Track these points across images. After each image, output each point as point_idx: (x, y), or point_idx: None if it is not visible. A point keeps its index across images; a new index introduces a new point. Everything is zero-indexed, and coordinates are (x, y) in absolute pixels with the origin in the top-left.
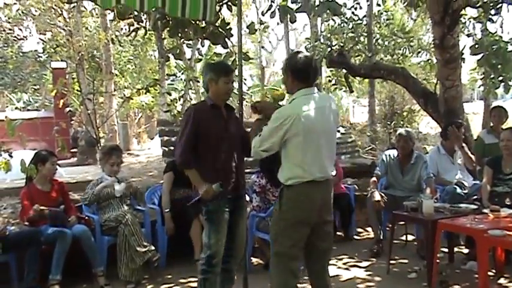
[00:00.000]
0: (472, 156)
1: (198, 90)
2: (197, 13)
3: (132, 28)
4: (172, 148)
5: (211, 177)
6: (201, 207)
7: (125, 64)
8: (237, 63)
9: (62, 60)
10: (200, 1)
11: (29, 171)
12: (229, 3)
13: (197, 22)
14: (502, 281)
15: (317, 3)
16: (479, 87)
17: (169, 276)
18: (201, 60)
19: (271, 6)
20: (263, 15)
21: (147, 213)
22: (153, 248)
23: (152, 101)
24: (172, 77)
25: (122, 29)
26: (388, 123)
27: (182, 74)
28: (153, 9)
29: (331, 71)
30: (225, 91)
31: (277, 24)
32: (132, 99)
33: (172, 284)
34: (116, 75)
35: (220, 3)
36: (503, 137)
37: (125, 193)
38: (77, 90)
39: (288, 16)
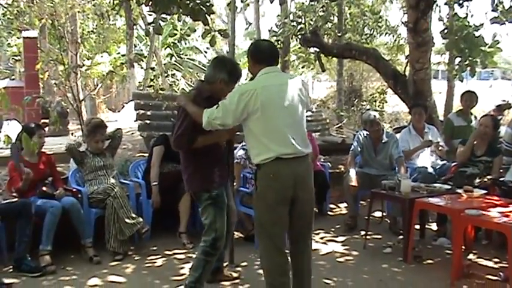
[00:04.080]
0: (445, 148)
1: (161, 62)
2: None
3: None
4: (148, 122)
5: (211, 169)
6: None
7: (88, 34)
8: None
9: (26, 29)
10: None
11: (25, 143)
12: None
13: None
14: (471, 256)
15: None
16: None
17: (155, 248)
18: (175, 35)
19: None
20: None
21: (132, 187)
22: (141, 219)
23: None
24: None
25: None
26: (352, 99)
27: (143, 45)
28: None
29: (299, 48)
30: (227, 94)
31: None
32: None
33: (158, 256)
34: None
35: None
36: (483, 122)
37: (110, 164)
38: (60, 62)
39: None
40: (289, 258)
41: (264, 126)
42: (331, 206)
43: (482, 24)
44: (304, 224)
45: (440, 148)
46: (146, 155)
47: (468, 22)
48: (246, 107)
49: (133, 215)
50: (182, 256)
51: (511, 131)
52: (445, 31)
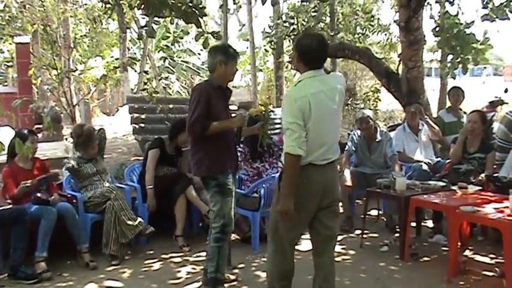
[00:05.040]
0: (437, 127)
1: (155, 65)
2: None
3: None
4: (142, 125)
5: (219, 156)
6: (188, 182)
7: (81, 38)
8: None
9: (18, 34)
10: None
11: (18, 148)
12: None
13: (173, 1)
14: (467, 252)
15: None
16: (437, 68)
17: (151, 252)
18: (168, 37)
19: None
20: None
21: (127, 190)
22: (142, 220)
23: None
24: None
25: (77, 1)
26: (346, 98)
27: (137, 48)
28: None
29: (292, 49)
30: (232, 73)
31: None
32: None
33: (155, 260)
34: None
35: None
36: (471, 118)
37: (103, 169)
38: (53, 67)
39: None
40: (293, 262)
41: (309, 134)
42: None
43: (473, 22)
44: (331, 233)
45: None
46: (141, 158)
47: (459, 20)
48: (303, 112)
49: (134, 217)
50: (179, 259)
51: (503, 127)
52: (437, 29)
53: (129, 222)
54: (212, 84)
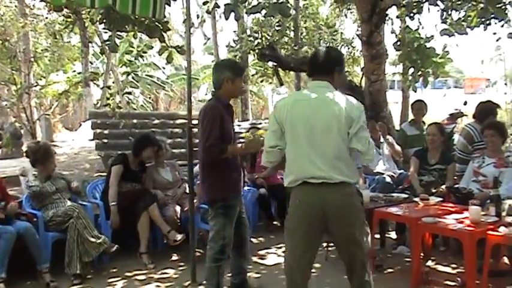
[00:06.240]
0: (398, 147)
1: (118, 79)
2: (147, 11)
3: (68, 20)
4: (105, 141)
5: (231, 179)
6: (152, 199)
7: (42, 52)
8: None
9: None
10: None
11: None
12: None
13: (137, 16)
14: (429, 263)
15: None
16: (399, 81)
17: (115, 270)
18: (132, 52)
19: (216, 4)
20: (208, 13)
21: (90, 207)
22: (106, 238)
23: (67, 90)
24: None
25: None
26: None
27: (100, 62)
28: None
29: (257, 62)
30: (240, 90)
31: (220, 17)
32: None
33: (119, 278)
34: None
35: None
36: (430, 131)
37: (63, 187)
38: (12, 83)
39: (233, 14)
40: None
41: (289, 145)
42: None
43: (433, 36)
44: (355, 265)
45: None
46: (104, 174)
47: (419, 34)
48: (279, 121)
49: (98, 235)
50: (143, 277)
51: (462, 139)
52: (398, 43)
53: (93, 240)
54: (222, 103)
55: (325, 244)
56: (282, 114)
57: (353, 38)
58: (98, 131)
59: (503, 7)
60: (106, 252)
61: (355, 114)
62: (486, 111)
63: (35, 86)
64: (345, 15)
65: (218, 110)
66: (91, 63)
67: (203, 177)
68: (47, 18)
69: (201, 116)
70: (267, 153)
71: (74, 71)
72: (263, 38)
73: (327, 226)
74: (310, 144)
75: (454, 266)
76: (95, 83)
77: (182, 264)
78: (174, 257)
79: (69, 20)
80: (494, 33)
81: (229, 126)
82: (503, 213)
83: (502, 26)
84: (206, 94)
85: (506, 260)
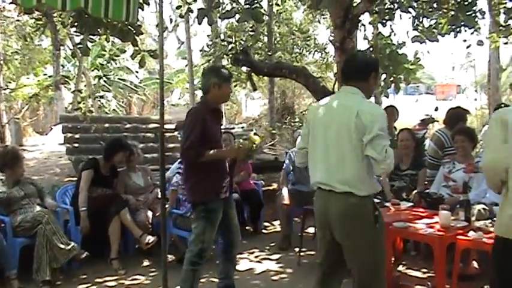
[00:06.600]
0: None
1: (90, 83)
2: (120, 14)
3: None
4: (76, 145)
5: (213, 182)
6: (123, 204)
7: (12, 55)
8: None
9: None
10: (123, 3)
11: None
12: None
13: (109, 19)
14: (400, 267)
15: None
16: None
17: (85, 276)
18: (104, 55)
19: (189, 8)
20: (181, 17)
21: (60, 213)
22: (76, 245)
23: (38, 93)
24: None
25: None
26: (284, 118)
27: (72, 65)
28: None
29: (230, 67)
30: (226, 95)
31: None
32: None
33: (89, 284)
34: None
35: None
36: (402, 137)
37: (32, 192)
38: None
39: (206, 19)
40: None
41: (309, 147)
42: (266, 224)
43: (405, 43)
44: (356, 277)
45: None
46: (75, 179)
47: (391, 40)
48: (307, 124)
49: (67, 241)
50: (114, 283)
51: (433, 144)
52: (370, 49)
53: (62, 247)
54: (207, 107)
55: (297, 249)
56: (309, 117)
57: (326, 44)
58: (69, 135)
59: (473, 15)
60: (75, 259)
61: (368, 121)
62: (456, 117)
63: (5, 89)
64: (318, 21)
65: (201, 113)
66: (62, 66)
67: (185, 178)
68: (17, 20)
69: (185, 120)
70: (297, 154)
71: (45, 74)
72: (237, 43)
73: (334, 236)
74: (324, 151)
75: (424, 270)
76: (66, 87)
77: (153, 269)
78: (146, 263)
79: (40, 22)
80: (465, 41)
81: (214, 130)
82: (473, 218)
83: (472, 33)
84: (179, 98)
85: (475, 264)
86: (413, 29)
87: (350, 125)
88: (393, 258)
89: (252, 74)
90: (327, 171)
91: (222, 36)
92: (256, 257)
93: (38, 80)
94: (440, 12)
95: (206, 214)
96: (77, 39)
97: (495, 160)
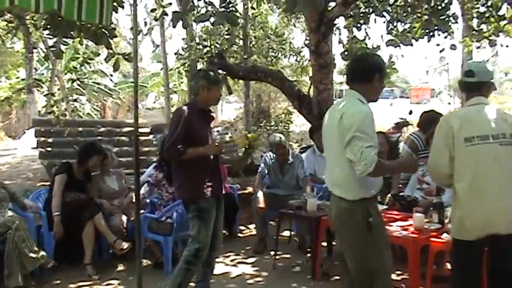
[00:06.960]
0: None
1: (64, 86)
2: (93, 17)
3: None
4: (49, 149)
5: (201, 180)
6: (97, 209)
7: None
8: (133, 66)
9: None
10: (96, 5)
11: None
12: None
13: (83, 22)
14: None
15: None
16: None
17: (58, 282)
18: (78, 58)
19: (164, 11)
20: (156, 20)
21: (32, 218)
22: (44, 254)
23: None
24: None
25: None
26: (259, 121)
27: (45, 68)
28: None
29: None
30: (215, 98)
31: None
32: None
33: None
34: None
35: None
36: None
37: (4, 197)
38: None
39: (180, 22)
40: None
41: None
42: (241, 227)
43: (379, 47)
44: (359, 283)
45: None
46: (48, 184)
47: (366, 44)
48: None
49: (36, 249)
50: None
51: (407, 148)
52: (345, 53)
53: (31, 255)
54: (195, 107)
55: (272, 252)
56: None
57: (301, 47)
58: (42, 139)
59: (446, 19)
60: (42, 267)
61: (348, 123)
62: (430, 120)
63: None
64: (294, 24)
65: (185, 115)
66: (35, 69)
67: (175, 176)
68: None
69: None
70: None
71: (18, 77)
72: (212, 46)
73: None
74: (327, 155)
75: (398, 272)
76: (39, 90)
77: (128, 274)
78: (120, 267)
79: (12, 25)
80: (438, 45)
81: (202, 130)
82: (446, 220)
83: (446, 37)
84: (154, 102)
85: (449, 266)
86: (388, 33)
87: (334, 129)
88: None
89: (228, 77)
90: (327, 176)
91: (197, 40)
92: (231, 260)
93: (10, 83)
94: (414, 17)
95: (199, 213)
96: (50, 42)
97: (435, 168)
